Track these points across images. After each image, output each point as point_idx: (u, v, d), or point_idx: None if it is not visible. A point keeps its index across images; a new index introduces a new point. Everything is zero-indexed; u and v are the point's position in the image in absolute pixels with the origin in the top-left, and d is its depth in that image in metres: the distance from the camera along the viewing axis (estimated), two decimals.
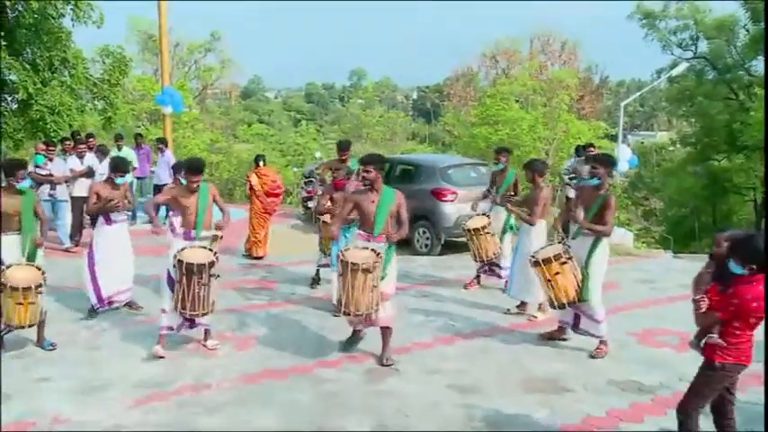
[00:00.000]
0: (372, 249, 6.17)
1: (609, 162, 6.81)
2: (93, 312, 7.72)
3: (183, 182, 6.92)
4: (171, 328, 6.55)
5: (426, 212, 11.79)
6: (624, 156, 16.72)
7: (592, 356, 6.64)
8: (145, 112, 31.63)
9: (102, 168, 11.26)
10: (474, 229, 8.81)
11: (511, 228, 8.93)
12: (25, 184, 6.71)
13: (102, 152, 11.83)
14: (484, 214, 9.11)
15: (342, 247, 6.91)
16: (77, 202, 11.43)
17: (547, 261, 6.49)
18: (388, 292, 6.35)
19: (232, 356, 6.63)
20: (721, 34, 27.79)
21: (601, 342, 6.68)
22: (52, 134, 15.04)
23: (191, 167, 6.67)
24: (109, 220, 7.67)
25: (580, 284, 6.51)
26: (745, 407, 4.86)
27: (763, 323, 4.10)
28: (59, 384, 5.87)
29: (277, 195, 11.45)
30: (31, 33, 15.43)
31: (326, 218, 8.69)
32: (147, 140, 19.38)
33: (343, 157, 9.23)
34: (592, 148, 12.65)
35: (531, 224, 7.73)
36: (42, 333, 6.69)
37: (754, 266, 3.92)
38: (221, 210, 6.94)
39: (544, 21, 43.62)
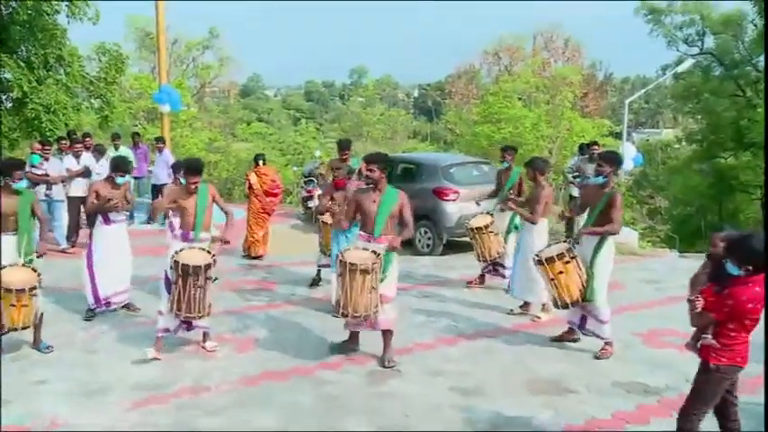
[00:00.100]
0: (372, 251, 6.17)
1: (615, 160, 6.77)
2: (90, 313, 7.74)
3: (183, 182, 6.93)
4: (167, 330, 6.55)
5: (428, 212, 11.78)
6: (629, 154, 16.67)
7: (596, 357, 6.64)
8: (142, 110, 31.60)
9: (99, 168, 11.27)
10: (477, 228, 8.82)
11: (515, 227, 8.94)
12: (22, 184, 6.71)
13: (98, 152, 11.83)
14: (488, 213, 9.12)
15: (342, 247, 6.92)
16: (74, 203, 11.45)
17: (550, 260, 6.49)
18: (389, 294, 6.33)
19: (231, 358, 6.64)
20: (728, 29, 27.69)
21: (606, 343, 6.68)
22: (48, 133, 15.03)
23: (189, 168, 6.69)
24: (107, 220, 7.69)
25: (585, 284, 6.51)
26: (757, 408, 4.85)
27: (759, 325, 4.10)
28: (56, 387, 5.88)
29: (276, 195, 11.47)
30: (25, 30, 15.43)
31: (326, 218, 8.70)
32: (145, 139, 19.40)
33: (344, 156, 9.25)
34: (596, 147, 12.66)
35: (533, 223, 7.73)
36: (39, 335, 6.70)
37: (751, 267, 3.92)
38: (224, 211, 6.95)
39: (546, 20, 43.52)
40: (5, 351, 6.50)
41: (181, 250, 6.40)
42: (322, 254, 9.00)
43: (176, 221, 6.89)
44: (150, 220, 13.64)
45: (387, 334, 6.44)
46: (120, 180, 7.63)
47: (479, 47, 43.13)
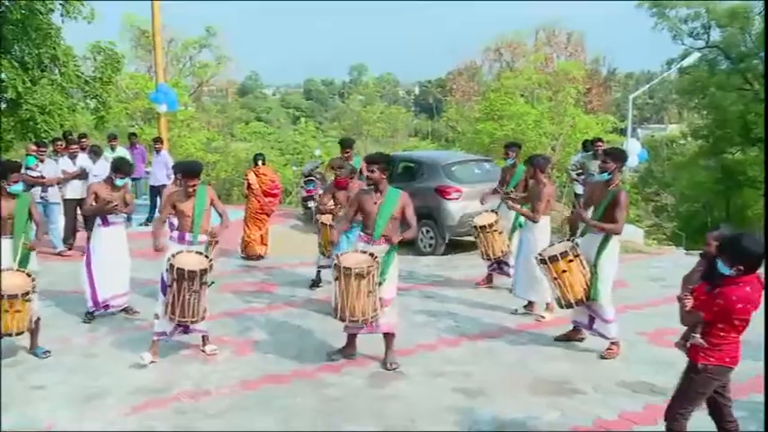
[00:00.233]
0: (371, 253, 6.15)
1: (620, 156, 6.75)
2: (89, 316, 7.75)
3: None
4: (164, 334, 6.55)
5: (430, 211, 11.78)
6: (633, 150, 16.71)
7: (602, 357, 6.64)
8: (139, 110, 31.58)
9: (96, 169, 11.26)
10: (481, 227, 8.82)
11: (520, 225, 8.93)
12: (18, 187, 6.71)
13: (95, 153, 11.81)
14: (492, 211, 9.12)
15: (344, 248, 6.91)
16: (70, 205, 11.45)
17: (553, 259, 6.49)
18: (388, 297, 6.30)
19: (231, 362, 6.64)
20: (735, 22, 27.59)
21: (612, 342, 6.67)
22: (43, 134, 15.06)
23: (187, 171, 6.69)
24: (106, 222, 7.70)
25: (589, 283, 6.51)
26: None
27: (760, 325, 4.10)
28: (54, 392, 5.88)
29: (275, 195, 11.49)
30: (18, 30, 15.43)
31: (325, 219, 8.70)
32: (142, 140, 19.41)
33: (346, 155, 9.24)
34: (599, 143, 12.65)
35: (535, 221, 7.73)
36: (36, 340, 6.71)
37: (742, 267, 3.92)
38: (220, 213, 6.96)
39: (547, 17, 43.47)
40: (2, 356, 6.50)
41: (178, 253, 6.39)
42: (321, 255, 9.01)
43: (174, 221, 6.90)
44: (148, 221, 13.66)
45: (388, 336, 6.44)
46: (119, 182, 7.64)
47: (480, 44, 43.16)
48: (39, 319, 6.63)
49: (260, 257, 11.33)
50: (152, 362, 6.43)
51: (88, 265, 7.69)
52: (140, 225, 13.64)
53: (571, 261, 6.46)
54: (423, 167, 12.56)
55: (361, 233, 6.49)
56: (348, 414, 5.48)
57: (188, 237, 6.68)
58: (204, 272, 6.28)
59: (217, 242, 7.03)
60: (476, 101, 37.19)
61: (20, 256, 6.58)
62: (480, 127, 29.57)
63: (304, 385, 6.04)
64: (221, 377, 6.22)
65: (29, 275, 6.33)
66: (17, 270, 6.38)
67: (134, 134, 16.60)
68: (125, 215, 8.05)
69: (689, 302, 4.13)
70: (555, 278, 6.52)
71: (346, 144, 9.59)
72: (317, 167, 15.90)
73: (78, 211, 11.47)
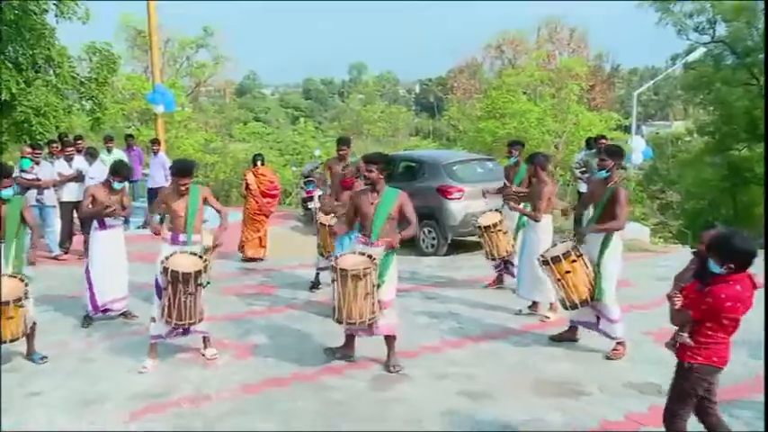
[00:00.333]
0: (369, 255, 6.15)
1: (618, 153, 6.78)
2: (88, 320, 7.76)
3: None
4: (160, 337, 6.55)
5: (432, 211, 11.79)
6: (638, 147, 16.69)
7: (608, 357, 6.64)
8: (135, 111, 31.62)
9: (93, 172, 11.27)
10: (485, 227, 8.80)
11: (524, 224, 8.94)
12: (9, 192, 6.68)
13: (91, 155, 11.82)
14: (496, 210, 9.11)
15: (345, 249, 6.91)
16: (66, 208, 11.45)
17: (556, 260, 6.48)
18: (387, 299, 6.29)
19: (231, 365, 6.64)
20: (741, 16, 27.54)
21: (617, 343, 6.67)
22: (38, 136, 15.04)
23: (180, 170, 6.66)
24: (103, 225, 7.70)
25: (593, 283, 6.51)
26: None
27: (760, 325, 4.10)
28: (52, 398, 5.88)
29: (273, 197, 11.52)
30: (12, 30, 15.38)
31: (324, 219, 8.69)
32: (139, 142, 19.41)
33: (342, 153, 9.21)
34: (603, 141, 12.63)
35: (537, 220, 7.73)
36: (32, 345, 6.70)
37: (732, 266, 3.93)
38: (218, 211, 6.96)
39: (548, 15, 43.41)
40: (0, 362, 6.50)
41: (171, 255, 6.38)
42: (320, 256, 8.99)
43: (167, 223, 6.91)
44: (146, 224, 13.65)
45: (390, 339, 6.43)
46: (117, 185, 7.62)
47: (481, 41, 43.21)
48: (35, 323, 6.63)
49: (258, 260, 11.34)
50: (154, 367, 6.44)
51: (87, 269, 7.70)
52: (138, 228, 13.65)
53: (574, 261, 6.46)
54: (424, 167, 12.56)
55: (359, 234, 6.49)
56: (351, 417, 5.47)
57: (181, 237, 6.67)
58: (199, 273, 6.27)
59: (218, 245, 7.02)
60: (477, 99, 37.23)
61: (12, 261, 6.54)
62: (482, 125, 29.58)
63: (306, 388, 6.04)
64: (222, 381, 6.22)
65: (21, 280, 6.31)
66: (10, 276, 6.33)
67: (131, 136, 16.58)
68: (123, 218, 8.05)
69: (678, 301, 4.14)
70: (558, 279, 6.52)
71: (342, 142, 9.58)
72: (317, 168, 15.91)
73: (75, 215, 11.47)
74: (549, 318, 7.86)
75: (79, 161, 11.66)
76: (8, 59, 15.47)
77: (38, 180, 11.08)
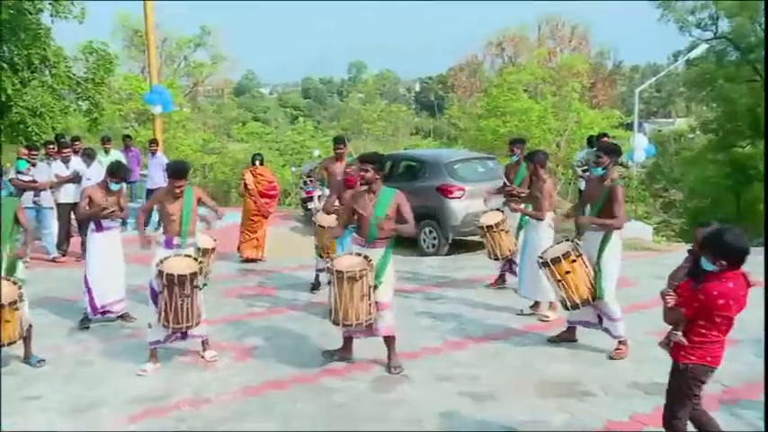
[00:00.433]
0: (365, 256, 6.14)
1: (614, 150, 6.80)
2: (86, 322, 7.75)
3: None
4: (159, 342, 6.54)
5: (433, 211, 11.79)
6: (640, 145, 16.65)
7: (611, 358, 6.63)
8: (133, 112, 31.64)
9: (90, 173, 11.26)
10: (488, 227, 8.79)
11: (526, 224, 8.92)
12: (1, 193, 6.66)
13: (88, 156, 11.80)
14: (498, 209, 9.09)
15: (342, 252, 6.90)
16: (64, 209, 11.44)
17: (556, 261, 6.47)
18: (385, 301, 6.28)
19: (231, 368, 6.64)
20: (744, 11, 27.51)
21: (620, 342, 6.67)
22: (34, 138, 15.05)
23: (174, 171, 6.65)
24: (100, 227, 7.70)
25: (593, 282, 6.50)
26: None
27: (759, 326, 4.09)
28: (50, 402, 5.88)
29: (271, 197, 11.50)
30: (6, 30, 15.39)
31: (322, 220, 8.67)
32: (136, 142, 19.40)
33: (339, 151, 9.22)
34: (605, 138, 12.64)
35: (540, 219, 7.73)
36: (29, 348, 6.69)
37: (725, 262, 3.92)
38: (212, 208, 7.00)
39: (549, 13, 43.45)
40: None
41: (166, 258, 6.36)
42: (319, 257, 8.96)
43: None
44: (145, 225, 13.63)
45: (389, 340, 6.42)
46: (114, 186, 7.61)
47: (482, 39, 43.23)
48: (30, 326, 6.62)
49: (256, 261, 11.34)
50: (154, 370, 6.44)
51: (86, 272, 7.70)
52: (135, 229, 13.61)
53: (574, 261, 6.45)
54: (425, 166, 12.56)
55: (356, 235, 6.48)
56: (351, 419, 5.47)
57: (176, 241, 6.67)
58: (194, 275, 6.26)
59: (214, 249, 7.03)
60: (478, 97, 37.23)
61: (6, 264, 6.53)
62: (483, 124, 29.59)
63: (306, 391, 6.03)
64: (222, 384, 6.21)
65: (15, 283, 6.28)
66: (4, 278, 6.30)
67: (128, 136, 16.58)
68: (120, 219, 8.05)
69: (671, 299, 4.13)
70: (559, 280, 6.51)
71: (337, 140, 9.57)
72: (316, 168, 15.91)
73: (72, 216, 11.47)
74: (548, 317, 7.85)
75: (76, 162, 11.64)
76: (3, 60, 15.48)
77: (34, 182, 11.07)
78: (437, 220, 11.90)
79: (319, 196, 12.36)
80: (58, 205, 11.44)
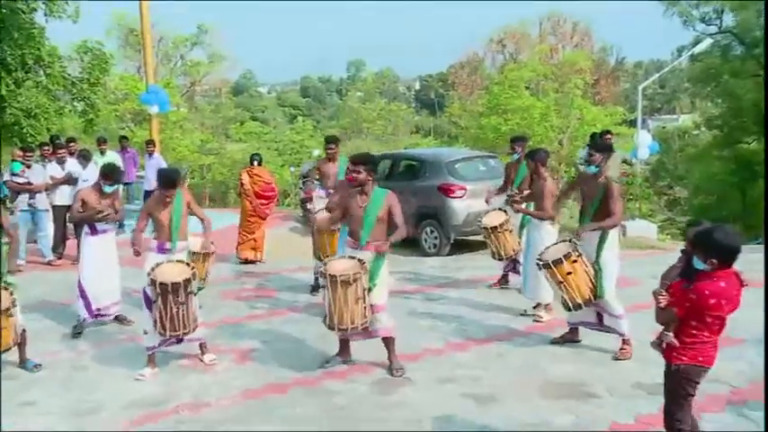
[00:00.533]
0: (359, 259, 6.13)
1: (605, 147, 6.92)
2: (80, 327, 7.74)
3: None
4: (155, 347, 6.52)
5: (434, 210, 11.79)
6: (644, 142, 16.64)
7: (615, 358, 6.62)
8: (129, 112, 31.67)
9: (86, 175, 11.25)
10: (491, 228, 8.77)
11: (528, 223, 8.91)
12: None
13: (84, 157, 11.80)
14: (500, 209, 9.08)
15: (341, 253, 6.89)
16: (59, 212, 11.41)
17: (557, 262, 6.46)
18: (380, 303, 6.26)
19: (231, 371, 6.64)
20: (749, 5, 27.49)
21: (624, 342, 6.66)
22: (29, 139, 15.04)
23: (165, 181, 6.66)
24: (94, 230, 7.69)
25: (593, 281, 6.51)
26: None
27: (760, 325, 4.09)
28: (47, 408, 5.87)
29: (268, 198, 11.47)
30: None
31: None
32: (133, 143, 19.41)
33: (331, 151, 9.24)
34: (609, 136, 12.63)
35: (544, 219, 7.73)
36: (24, 353, 6.67)
37: (715, 261, 3.92)
38: (200, 219, 7.02)
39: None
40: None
41: (158, 265, 6.33)
42: (317, 259, 8.94)
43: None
44: None
45: (389, 341, 6.41)
46: (108, 189, 7.60)
47: (483, 36, 43.23)
48: (24, 330, 6.59)
49: (254, 262, 11.34)
50: (153, 374, 6.44)
51: (79, 275, 7.69)
52: (133, 231, 13.61)
53: (575, 261, 6.44)
54: (425, 165, 12.56)
55: (348, 238, 6.47)
56: (353, 422, 5.47)
57: (167, 245, 6.70)
58: (188, 281, 6.23)
59: (213, 252, 7.03)
60: (479, 95, 37.24)
61: None
62: (484, 122, 29.61)
63: (307, 393, 6.03)
64: (222, 387, 6.21)
65: (6, 289, 6.22)
66: None
67: (125, 137, 16.60)
68: (115, 222, 8.05)
69: (663, 299, 4.13)
70: (560, 282, 6.50)
71: (329, 140, 9.58)
72: (312, 169, 15.91)
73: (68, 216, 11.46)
74: (542, 318, 7.84)
75: (72, 164, 11.63)
76: None
77: (29, 184, 11.06)
78: (438, 220, 11.90)
79: (319, 196, 12.33)
80: (54, 207, 11.42)
